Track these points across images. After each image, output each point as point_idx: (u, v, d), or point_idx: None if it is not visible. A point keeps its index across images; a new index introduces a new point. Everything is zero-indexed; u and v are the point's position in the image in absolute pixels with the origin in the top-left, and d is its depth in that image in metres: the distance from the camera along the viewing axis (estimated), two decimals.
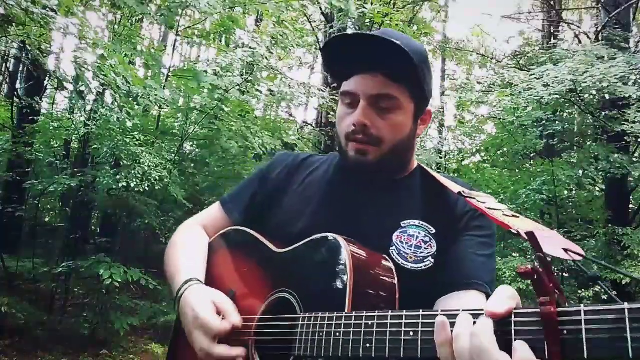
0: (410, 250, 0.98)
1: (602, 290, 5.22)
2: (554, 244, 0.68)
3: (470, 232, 1.01)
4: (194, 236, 1.19)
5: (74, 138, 6.22)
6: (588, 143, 7.86)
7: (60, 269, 4.75)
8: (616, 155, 5.85)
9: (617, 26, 7.01)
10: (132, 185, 4.55)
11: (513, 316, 0.61)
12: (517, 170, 8.13)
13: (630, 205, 7.31)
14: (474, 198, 0.91)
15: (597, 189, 7.43)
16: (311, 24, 9.90)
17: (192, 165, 6.79)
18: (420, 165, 1.13)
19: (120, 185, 4.58)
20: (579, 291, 5.83)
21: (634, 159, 6.42)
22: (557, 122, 7.18)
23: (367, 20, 7.97)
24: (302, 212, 1.09)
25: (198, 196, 6.92)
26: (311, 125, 11.00)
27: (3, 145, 5.90)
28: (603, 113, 6.30)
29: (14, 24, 4.02)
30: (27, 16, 3.70)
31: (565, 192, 6.98)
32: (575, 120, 8.43)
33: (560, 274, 6.79)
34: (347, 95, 1.05)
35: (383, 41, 0.97)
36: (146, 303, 5.40)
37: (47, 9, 3.86)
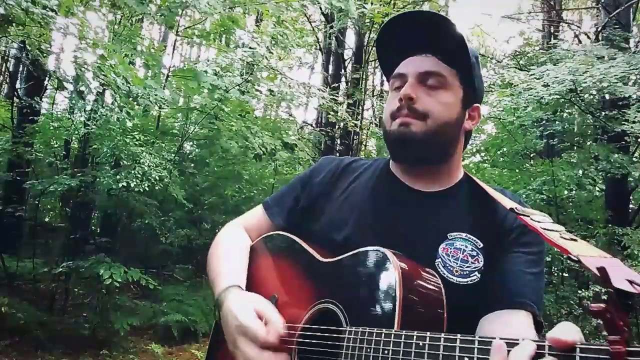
0: (456, 263, 0.95)
1: (603, 290, 5.23)
2: (619, 274, 0.66)
3: (519, 248, 0.97)
4: (237, 239, 1.18)
5: (74, 138, 6.22)
6: (588, 143, 7.85)
7: (60, 269, 4.75)
8: (616, 155, 5.84)
9: (617, 26, 7.00)
10: (132, 185, 4.55)
11: (578, 351, 0.58)
12: (517, 170, 8.11)
13: (630, 205, 7.31)
14: (528, 216, 0.87)
15: (597, 189, 7.41)
16: (311, 24, 9.91)
17: (192, 165, 6.79)
18: (467, 174, 1.10)
19: (120, 185, 4.58)
20: (579, 291, 5.83)
21: (634, 159, 6.41)
22: (557, 122, 7.18)
23: (367, 20, 7.97)
24: (346, 220, 1.06)
25: (198, 196, 6.92)
26: (311, 125, 11.00)
27: (3, 145, 5.90)
28: (603, 113, 6.29)
29: (14, 24, 4.02)
30: (27, 16, 3.70)
31: (565, 192, 6.97)
32: (575, 120, 8.43)
33: (561, 273, 6.80)
34: (396, 78, 1.04)
35: (437, 20, 0.97)
36: (146, 303, 5.40)
37: (47, 9, 3.86)
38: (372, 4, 7.71)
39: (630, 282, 0.64)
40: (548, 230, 0.81)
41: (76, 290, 5.48)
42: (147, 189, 4.69)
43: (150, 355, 4.78)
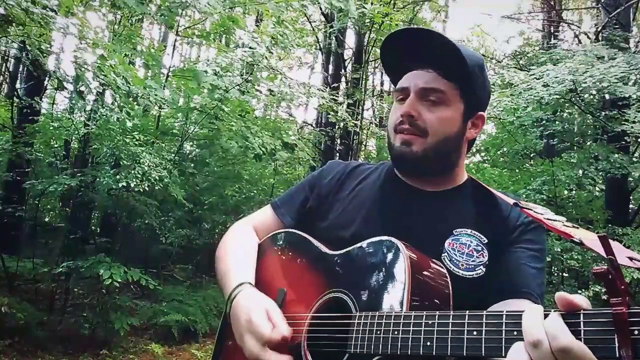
0: (462, 257, 0.99)
1: (603, 290, 5.23)
2: (619, 251, 0.70)
3: (522, 244, 1.01)
4: (246, 237, 1.22)
5: (74, 138, 6.21)
6: (588, 143, 7.86)
7: (60, 269, 4.74)
8: (616, 155, 5.84)
9: (617, 26, 7.00)
10: (132, 185, 4.54)
11: (582, 317, 0.61)
12: (517, 170, 8.12)
13: (630, 205, 7.31)
14: (531, 209, 0.91)
15: (597, 189, 7.42)
16: (311, 24, 9.91)
17: (192, 165, 6.79)
18: (471, 177, 1.15)
19: (120, 185, 4.58)
20: (579, 291, 5.83)
21: (634, 159, 6.41)
22: (557, 122, 7.18)
23: (367, 20, 7.97)
24: (353, 218, 1.10)
25: (198, 196, 6.92)
26: (311, 125, 11.00)
27: (3, 145, 5.90)
28: (603, 113, 6.30)
29: (14, 24, 4.02)
30: (27, 16, 3.70)
31: (565, 192, 6.97)
32: (575, 120, 8.43)
33: (561, 274, 6.80)
34: (399, 91, 1.09)
35: (437, 37, 1.01)
36: (146, 303, 5.40)
37: (47, 9, 3.86)
38: (372, 4, 7.70)
39: (630, 258, 0.69)
40: (551, 220, 0.85)
41: (76, 290, 5.48)
42: (147, 189, 4.69)
43: (150, 355, 4.78)
